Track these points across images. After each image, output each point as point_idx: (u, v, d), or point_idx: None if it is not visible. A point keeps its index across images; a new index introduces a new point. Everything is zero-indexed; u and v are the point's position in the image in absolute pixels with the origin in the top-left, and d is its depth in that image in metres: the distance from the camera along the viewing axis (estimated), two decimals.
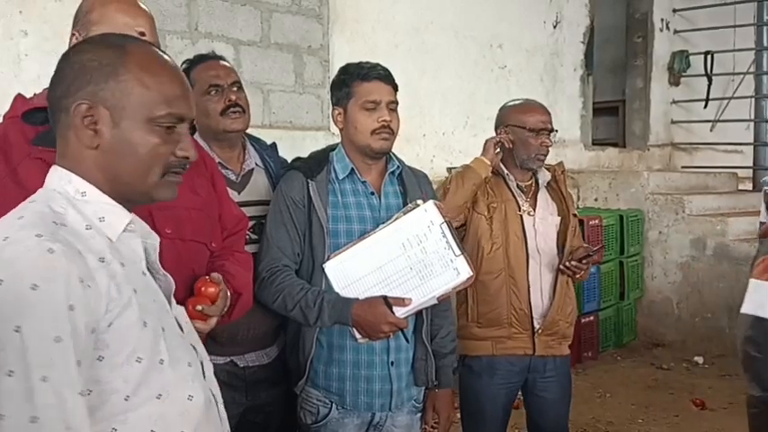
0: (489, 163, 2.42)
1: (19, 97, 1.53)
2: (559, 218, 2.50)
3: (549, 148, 2.46)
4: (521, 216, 2.44)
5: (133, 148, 1.06)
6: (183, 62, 2.07)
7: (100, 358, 0.97)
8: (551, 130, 2.45)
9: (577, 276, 2.43)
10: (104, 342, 0.97)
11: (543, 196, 2.51)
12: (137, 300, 1.01)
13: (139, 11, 1.54)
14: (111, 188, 1.07)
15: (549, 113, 2.48)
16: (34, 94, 1.51)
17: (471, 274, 1.82)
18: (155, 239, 1.18)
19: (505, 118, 2.49)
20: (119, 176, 1.07)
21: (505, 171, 2.49)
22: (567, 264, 2.39)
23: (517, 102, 2.52)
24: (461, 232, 2.52)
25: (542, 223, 2.47)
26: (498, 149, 2.46)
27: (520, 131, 2.43)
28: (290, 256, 1.90)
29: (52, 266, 0.93)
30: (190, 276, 1.55)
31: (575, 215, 2.53)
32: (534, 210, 2.47)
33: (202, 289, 1.48)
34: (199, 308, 1.44)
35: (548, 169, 2.54)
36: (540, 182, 2.51)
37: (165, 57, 1.11)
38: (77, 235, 1.01)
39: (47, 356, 0.91)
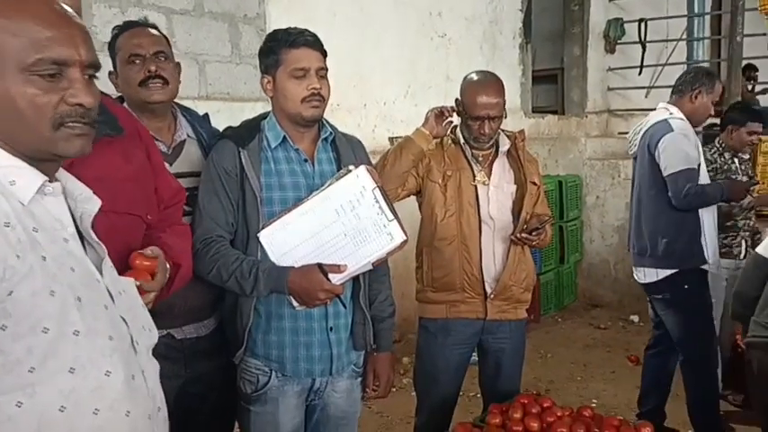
0: (429, 133, 2.44)
1: None
2: (515, 186, 2.53)
3: (495, 129, 2.45)
4: (474, 185, 2.48)
5: (12, 102, 1.00)
6: (114, 29, 2.01)
7: (2, 328, 0.93)
8: (497, 117, 2.42)
9: (533, 244, 2.47)
10: (6, 311, 0.93)
11: (501, 164, 2.53)
12: (44, 267, 0.97)
13: None
14: (14, 150, 1.02)
15: (501, 96, 2.43)
16: None
17: (404, 238, 1.83)
18: (93, 205, 1.13)
19: (462, 91, 2.50)
20: (11, 136, 1.02)
21: (462, 140, 2.52)
22: (518, 235, 2.43)
23: (476, 78, 2.49)
24: (418, 200, 2.57)
25: (497, 191, 2.50)
26: (447, 120, 2.47)
27: (464, 111, 2.46)
28: (224, 226, 1.88)
29: None
30: (125, 249, 1.51)
31: (534, 183, 2.55)
32: (489, 178, 2.50)
33: (137, 262, 1.44)
34: (137, 283, 1.42)
35: (508, 136, 2.56)
36: (499, 150, 2.53)
37: (41, 1, 1.03)
38: None
39: None
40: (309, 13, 4.20)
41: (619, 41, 6.88)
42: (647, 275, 3.19)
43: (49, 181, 1.05)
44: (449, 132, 2.56)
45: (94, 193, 1.28)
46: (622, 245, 5.65)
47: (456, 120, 2.54)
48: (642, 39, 6.78)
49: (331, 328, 1.93)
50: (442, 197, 2.47)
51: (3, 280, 0.93)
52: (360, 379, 2.06)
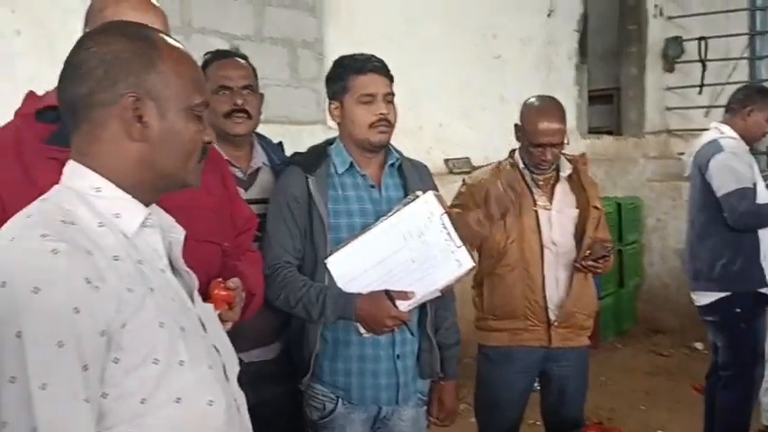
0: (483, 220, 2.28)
1: (31, 95, 1.50)
2: (577, 210, 2.48)
3: (557, 155, 2.41)
4: (536, 210, 2.43)
5: (179, 137, 1.06)
6: (205, 55, 2.06)
7: (115, 360, 0.94)
8: (559, 144, 2.37)
9: (598, 271, 2.43)
10: (119, 344, 0.94)
11: (562, 188, 2.49)
12: (153, 299, 0.98)
13: (151, 7, 1.51)
14: (147, 179, 1.05)
15: (563, 122, 2.39)
16: (46, 92, 1.47)
17: (473, 264, 1.80)
18: (179, 233, 1.15)
19: (522, 117, 2.46)
20: (162, 166, 1.06)
21: (521, 165, 2.47)
22: (584, 263, 2.38)
23: (537, 103, 2.45)
24: None
25: (559, 216, 2.45)
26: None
27: (525, 138, 2.42)
28: (292, 252, 1.88)
29: (54, 268, 0.89)
30: (204, 277, 1.52)
31: (596, 207, 2.49)
32: (551, 203, 2.46)
33: (215, 292, 1.45)
34: (216, 313, 1.43)
35: (569, 160, 2.51)
36: (561, 174, 2.49)
37: (182, 45, 1.12)
38: (88, 233, 0.97)
39: (47, 363, 0.88)
40: (365, 37, 4.24)
41: (678, 60, 6.73)
42: (702, 298, 3.14)
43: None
44: (507, 156, 2.53)
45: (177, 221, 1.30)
46: (685, 269, 5.49)
47: (515, 145, 2.51)
48: (702, 57, 6.62)
49: (398, 356, 1.91)
50: (501, 223, 2.42)
51: (118, 313, 0.94)
52: (425, 407, 2.03)
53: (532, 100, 2.47)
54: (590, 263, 2.37)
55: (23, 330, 0.87)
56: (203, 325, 1.09)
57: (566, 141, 2.42)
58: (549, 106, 2.44)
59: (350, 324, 1.84)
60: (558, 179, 2.49)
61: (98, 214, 1.00)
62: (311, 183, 1.87)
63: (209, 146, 1.11)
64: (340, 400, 1.89)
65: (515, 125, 2.47)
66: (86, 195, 1.01)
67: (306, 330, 1.89)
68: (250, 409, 1.87)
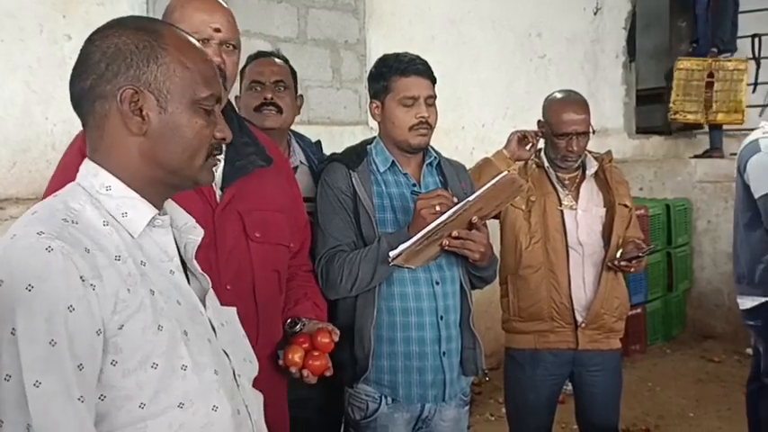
0: (509, 156, 2.39)
1: None
2: (605, 209, 2.44)
3: (584, 146, 2.39)
4: (561, 210, 2.39)
5: (181, 131, 1.02)
6: (247, 58, 2.10)
7: (113, 363, 0.92)
8: (584, 133, 2.36)
9: (631, 271, 2.39)
10: (117, 346, 0.92)
11: (588, 187, 2.45)
12: (153, 301, 0.97)
13: (216, 7, 1.52)
14: (155, 176, 1.03)
15: (587, 112, 2.38)
16: None
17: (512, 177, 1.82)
18: (197, 235, 1.12)
19: (545, 111, 2.44)
20: (166, 162, 1.03)
21: (546, 163, 2.44)
22: (617, 263, 2.34)
23: (559, 96, 2.44)
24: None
25: (585, 216, 2.41)
26: (529, 144, 2.41)
27: (550, 130, 2.39)
28: (349, 244, 1.86)
29: (48, 265, 0.88)
30: (273, 277, 1.57)
31: (625, 205, 2.46)
32: (577, 202, 2.42)
33: (319, 339, 1.53)
34: (328, 373, 1.52)
35: (596, 158, 2.48)
36: (587, 172, 2.45)
37: (194, 38, 1.09)
38: (91, 233, 0.96)
39: (41, 361, 0.87)
40: (408, 37, 4.23)
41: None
42: (745, 301, 3.04)
43: (159, 212, 1.06)
44: (533, 156, 2.49)
45: (248, 225, 1.34)
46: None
47: (540, 143, 2.48)
48: (756, 55, 6.42)
49: (444, 353, 1.89)
50: (526, 224, 2.39)
51: (115, 313, 0.93)
52: (467, 408, 2.01)
53: (555, 94, 2.46)
54: (623, 263, 2.32)
55: (17, 328, 0.87)
56: (214, 329, 1.07)
57: (591, 131, 2.39)
58: (572, 97, 2.43)
59: (394, 322, 1.84)
60: (583, 178, 2.45)
61: (104, 213, 1.00)
62: (354, 178, 1.87)
63: (222, 143, 1.07)
64: (383, 399, 1.88)
65: (538, 121, 2.45)
66: (96, 194, 1.01)
67: (357, 329, 1.86)
68: (288, 408, 1.89)
